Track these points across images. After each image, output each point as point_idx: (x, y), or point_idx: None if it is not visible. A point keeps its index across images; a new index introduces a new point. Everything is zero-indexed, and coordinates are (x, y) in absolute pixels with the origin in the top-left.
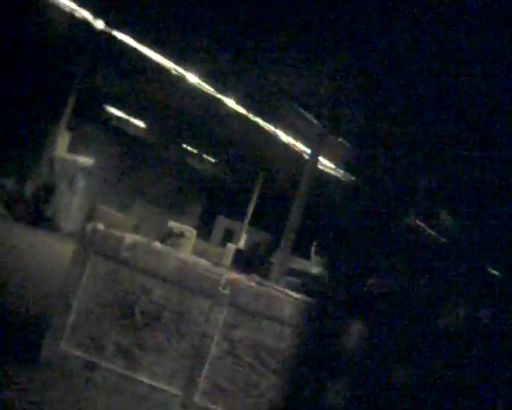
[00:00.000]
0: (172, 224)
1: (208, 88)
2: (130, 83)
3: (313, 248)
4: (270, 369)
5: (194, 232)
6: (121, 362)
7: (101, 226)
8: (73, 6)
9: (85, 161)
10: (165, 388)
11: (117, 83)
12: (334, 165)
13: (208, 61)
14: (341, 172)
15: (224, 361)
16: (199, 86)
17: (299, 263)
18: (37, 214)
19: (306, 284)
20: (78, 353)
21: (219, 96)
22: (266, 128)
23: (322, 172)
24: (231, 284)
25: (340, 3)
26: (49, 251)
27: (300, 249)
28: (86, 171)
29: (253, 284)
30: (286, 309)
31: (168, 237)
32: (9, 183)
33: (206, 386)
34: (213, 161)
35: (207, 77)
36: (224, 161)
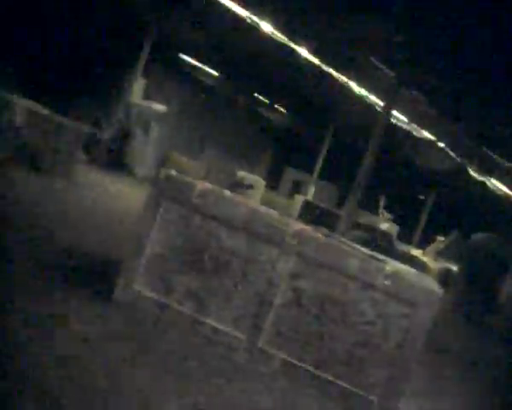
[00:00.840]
0: (242, 173)
1: (282, 37)
2: (204, 32)
3: (381, 204)
4: (333, 320)
5: (263, 183)
6: (190, 305)
7: (174, 173)
8: None
9: (160, 107)
10: (231, 332)
11: (192, 31)
12: (408, 119)
13: (282, 9)
14: (415, 126)
15: (288, 310)
16: (272, 36)
17: (366, 217)
18: (114, 159)
19: (373, 239)
20: (149, 294)
21: (293, 45)
22: (339, 79)
23: (394, 126)
24: (299, 234)
25: None
26: (124, 195)
27: (369, 204)
28: (160, 118)
29: (321, 235)
30: (352, 263)
31: (237, 186)
32: (87, 128)
33: (269, 333)
34: (284, 111)
35: (281, 26)
36: (295, 112)
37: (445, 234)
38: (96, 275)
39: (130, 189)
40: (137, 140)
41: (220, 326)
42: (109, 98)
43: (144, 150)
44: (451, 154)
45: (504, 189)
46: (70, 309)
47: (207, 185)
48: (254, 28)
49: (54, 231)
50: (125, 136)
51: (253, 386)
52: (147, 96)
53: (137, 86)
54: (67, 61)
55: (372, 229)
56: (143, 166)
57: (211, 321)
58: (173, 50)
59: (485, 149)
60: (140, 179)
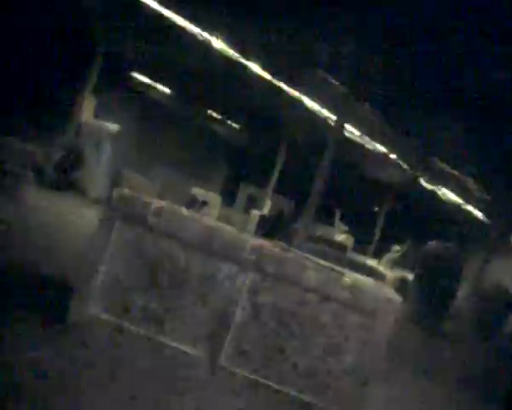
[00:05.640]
0: (197, 190)
1: (233, 53)
2: (155, 48)
3: (337, 216)
4: (294, 334)
5: (219, 199)
6: (148, 326)
7: (127, 192)
8: None
9: (111, 126)
10: (191, 351)
11: (142, 48)
12: (360, 132)
13: (233, 25)
14: (367, 139)
15: (248, 326)
16: (224, 51)
17: (322, 230)
18: (65, 180)
19: (330, 251)
20: (105, 316)
21: (244, 60)
22: (291, 94)
23: (347, 140)
24: (257, 249)
25: None
26: (77, 216)
27: (325, 216)
28: (112, 137)
29: (279, 250)
30: (311, 275)
31: (193, 203)
32: (37, 148)
33: (230, 350)
34: (237, 126)
35: (233, 41)
36: (248, 127)
37: (400, 244)
38: (50, 299)
39: (83, 209)
40: (89, 160)
41: (180, 346)
42: (60, 118)
43: (96, 170)
44: (403, 165)
45: (454, 197)
46: (24, 335)
47: (162, 204)
48: (205, 44)
49: (1, 256)
50: (76, 156)
51: (218, 405)
52: (98, 115)
53: (88, 104)
54: (10, 78)
55: (328, 241)
56: (95, 186)
57: (170, 341)
58: (123, 67)
59: (435, 159)
60: (92, 200)
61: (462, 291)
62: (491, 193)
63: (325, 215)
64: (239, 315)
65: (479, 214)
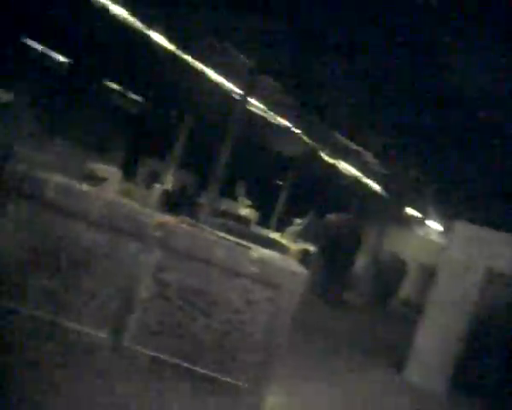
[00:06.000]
0: (95, 165)
1: (135, 22)
2: (50, 13)
3: (240, 190)
4: (199, 311)
5: (119, 174)
6: (48, 308)
7: (21, 167)
8: None
9: (3, 96)
10: (94, 333)
11: (36, 12)
12: (265, 106)
13: None
14: (271, 114)
15: (153, 304)
16: (125, 20)
17: (226, 204)
18: None
19: (234, 225)
20: (1, 301)
21: (147, 30)
22: (195, 66)
23: (251, 113)
24: (162, 225)
25: None
26: None
27: (228, 190)
28: (4, 107)
29: (185, 226)
30: (218, 251)
31: (92, 178)
32: None
33: (135, 329)
34: (139, 99)
35: (135, 10)
36: (150, 100)
37: (302, 216)
38: None
39: None
40: None
41: (82, 328)
42: None
43: None
44: (305, 139)
45: (353, 171)
46: None
47: (60, 179)
48: (105, 11)
49: None
50: None
51: (122, 387)
52: None
53: None
54: None
55: (232, 215)
56: None
57: (72, 324)
58: (15, 33)
59: (335, 133)
60: None
61: (361, 262)
62: (389, 167)
63: (229, 189)
64: (144, 294)
65: (377, 187)
